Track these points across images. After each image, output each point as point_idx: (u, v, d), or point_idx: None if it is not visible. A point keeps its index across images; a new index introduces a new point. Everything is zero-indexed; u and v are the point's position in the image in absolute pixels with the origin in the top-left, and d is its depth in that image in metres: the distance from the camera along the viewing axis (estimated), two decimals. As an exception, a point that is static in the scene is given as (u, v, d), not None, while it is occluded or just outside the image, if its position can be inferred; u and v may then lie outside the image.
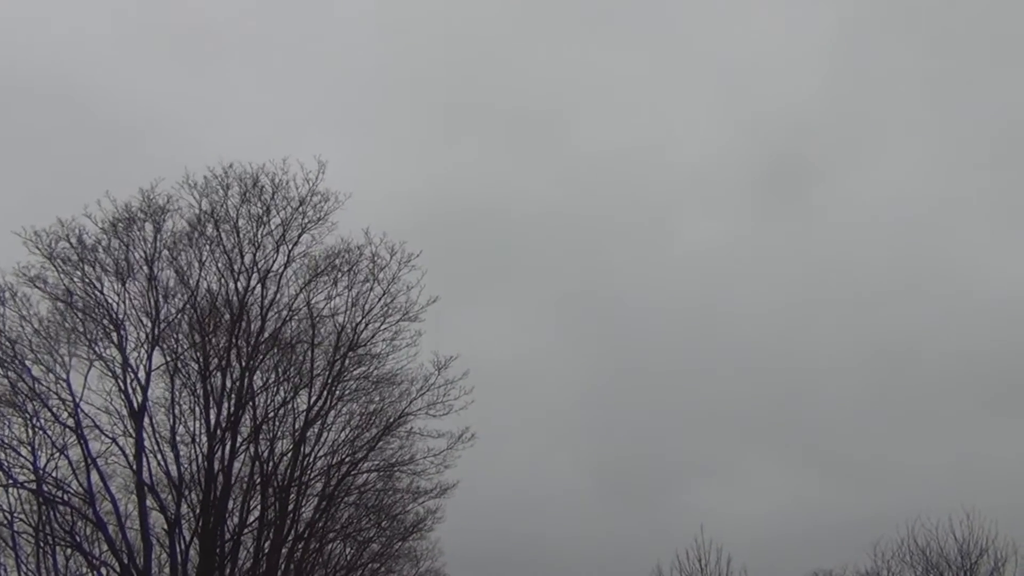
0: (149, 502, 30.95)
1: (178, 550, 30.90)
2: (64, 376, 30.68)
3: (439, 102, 68.85)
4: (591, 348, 59.07)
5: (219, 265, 31.48)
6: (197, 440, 31.48)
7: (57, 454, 30.84)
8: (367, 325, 32.51)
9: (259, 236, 31.49)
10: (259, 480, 31.85)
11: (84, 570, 33.31)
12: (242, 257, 31.50)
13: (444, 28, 70.75)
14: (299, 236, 31.66)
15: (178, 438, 31.29)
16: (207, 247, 31.32)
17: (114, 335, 31.15)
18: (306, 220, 31.57)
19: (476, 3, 70.40)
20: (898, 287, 64.03)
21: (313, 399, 32.23)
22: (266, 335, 31.72)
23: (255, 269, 31.59)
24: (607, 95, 71.73)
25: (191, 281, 31.55)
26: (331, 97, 69.24)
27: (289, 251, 31.68)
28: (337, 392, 32.59)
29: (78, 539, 31.58)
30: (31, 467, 30.57)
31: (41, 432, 30.81)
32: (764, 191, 69.49)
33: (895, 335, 61.13)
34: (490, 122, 69.33)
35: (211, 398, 31.47)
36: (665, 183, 68.74)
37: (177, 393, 31.44)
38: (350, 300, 32.32)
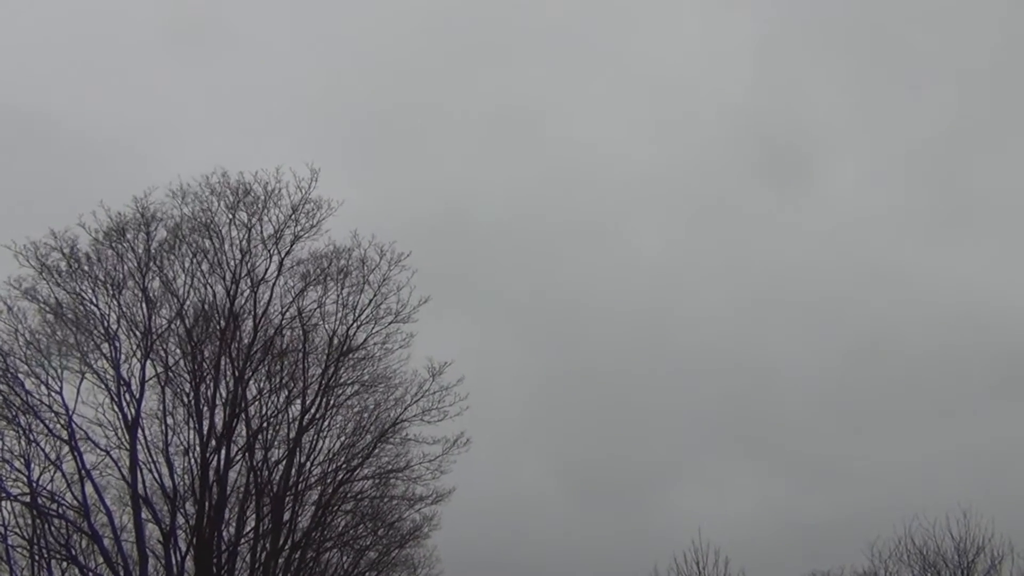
0: (144, 514, 30.84)
1: (174, 562, 30.80)
2: (57, 388, 30.67)
3: (395, 107, 68.67)
4: (549, 351, 59.05)
5: (210, 274, 31.43)
6: (191, 451, 31.43)
7: (51, 467, 30.77)
8: (359, 328, 32.53)
9: (251, 244, 31.48)
10: (254, 489, 31.75)
11: (79, 583, 33.19)
12: (233, 265, 31.47)
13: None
14: (292, 244, 31.72)
15: (172, 449, 31.27)
16: (198, 256, 31.26)
17: (106, 347, 31.10)
18: (298, 228, 31.64)
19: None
20: (850, 290, 64.24)
21: (307, 405, 32.15)
22: (259, 344, 31.65)
23: (247, 277, 31.56)
24: (567, 104, 71.86)
25: (181, 291, 31.55)
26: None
27: (281, 259, 31.70)
28: (331, 399, 32.51)
29: (73, 552, 31.40)
30: (25, 480, 30.49)
31: (35, 445, 30.73)
32: (719, 195, 69.62)
33: (853, 337, 61.35)
34: (447, 125, 69.40)
35: (204, 408, 31.41)
36: (621, 188, 68.91)
37: (170, 404, 31.45)
38: (341, 303, 32.33)
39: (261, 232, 31.54)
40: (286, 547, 32.03)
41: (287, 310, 32.03)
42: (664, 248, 65.42)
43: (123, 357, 31.06)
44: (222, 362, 31.44)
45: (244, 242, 31.48)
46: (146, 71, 68.50)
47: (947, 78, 71.39)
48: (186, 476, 31.38)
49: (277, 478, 32.03)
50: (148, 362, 31.19)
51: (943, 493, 42.66)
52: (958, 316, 60.28)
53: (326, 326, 32.29)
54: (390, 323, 32.55)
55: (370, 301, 32.31)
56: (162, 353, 31.46)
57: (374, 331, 32.54)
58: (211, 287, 31.48)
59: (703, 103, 73.24)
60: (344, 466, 32.93)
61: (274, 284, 31.81)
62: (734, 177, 70.44)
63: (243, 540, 31.96)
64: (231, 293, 31.54)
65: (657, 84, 73.15)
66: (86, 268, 30.87)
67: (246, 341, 31.68)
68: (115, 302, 31.12)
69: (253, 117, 65.93)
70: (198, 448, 31.30)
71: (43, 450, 30.76)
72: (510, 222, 64.80)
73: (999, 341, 56.71)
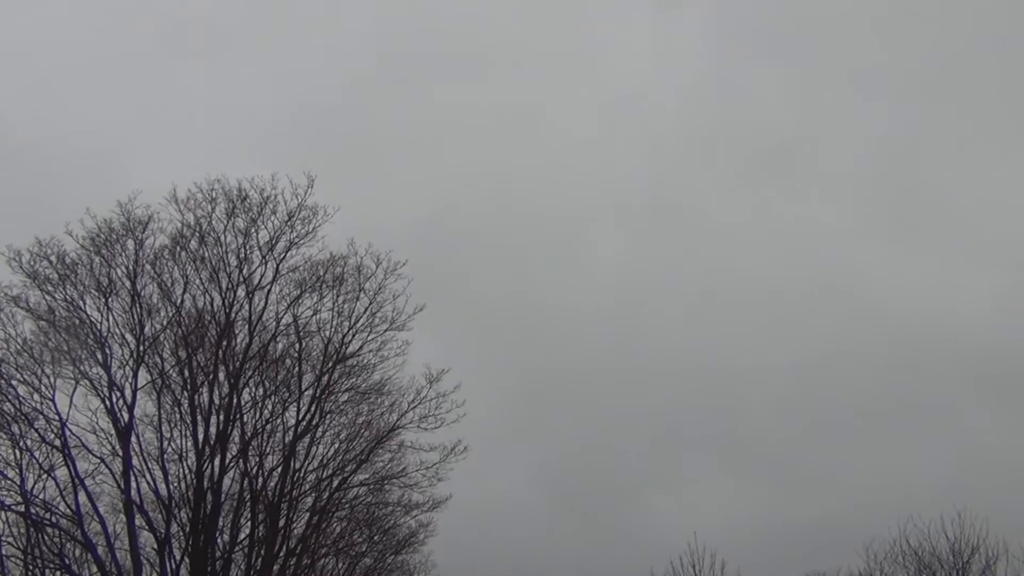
0: (138, 521, 30.72)
1: (168, 569, 30.64)
2: (50, 396, 30.47)
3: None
4: (517, 357, 59.05)
5: (205, 280, 31.27)
6: (185, 457, 31.28)
7: (44, 475, 30.55)
8: (354, 336, 32.39)
9: (246, 250, 31.33)
10: (249, 496, 31.60)
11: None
12: (228, 272, 31.30)
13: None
14: (287, 251, 31.58)
15: (166, 456, 31.09)
16: (192, 262, 31.11)
17: (99, 353, 30.89)
18: (294, 234, 31.53)
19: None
20: (809, 295, 64.70)
21: (302, 413, 32.04)
22: (254, 350, 31.50)
23: (242, 284, 31.40)
24: (532, 115, 71.99)
25: (175, 297, 31.38)
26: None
27: (277, 266, 31.57)
28: (326, 405, 32.39)
29: (67, 561, 31.25)
30: (18, 489, 30.24)
31: (28, 453, 30.50)
32: (680, 201, 69.92)
33: (816, 341, 61.79)
34: (416, 128, 69.44)
35: (198, 415, 31.24)
36: (583, 195, 69.17)
37: (164, 411, 31.25)
38: (336, 311, 32.20)
39: (257, 239, 31.40)
40: (281, 554, 31.93)
41: (282, 317, 31.91)
42: (627, 254, 65.52)
43: (116, 364, 30.86)
44: (217, 369, 31.24)
45: (240, 248, 31.31)
46: (142, 74, 68.19)
47: (896, 86, 71.87)
48: (180, 483, 31.27)
49: (272, 485, 31.87)
50: (142, 369, 31.01)
51: (919, 495, 44.92)
52: (915, 323, 60.89)
53: (321, 333, 32.17)
54: (385, 331, 32.48)
55: (365, 309, 32.24)
56: (156, 360, 31.25)
57: (369, 339, 32.47)
58: (206, 293, 31.31)
59: (661, 110, 73.26)
60: (339, 472, 32.79)
61: (269, 291, 31.69)
62: (695, 183, 70.72)
63: (238, 547, 31.82)
64: (226, 300, 31.38)
65: (615, 91, 73.24)
66: (74, 275, 30.63)
67: (241, 348, 31.48)
68: (106, 308, 30.90)
69: (252, 119, 65.55)
70: (192, 455, 31.18)
71: (36, 458, 30.59)
72: (480, 227, 64.63)
73: (962, 344, 57.35)
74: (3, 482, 30.20)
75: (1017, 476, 45.19)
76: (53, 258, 30.32)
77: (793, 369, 59.85)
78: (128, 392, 30.89)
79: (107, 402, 30.72)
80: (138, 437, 30.99)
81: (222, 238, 31.24)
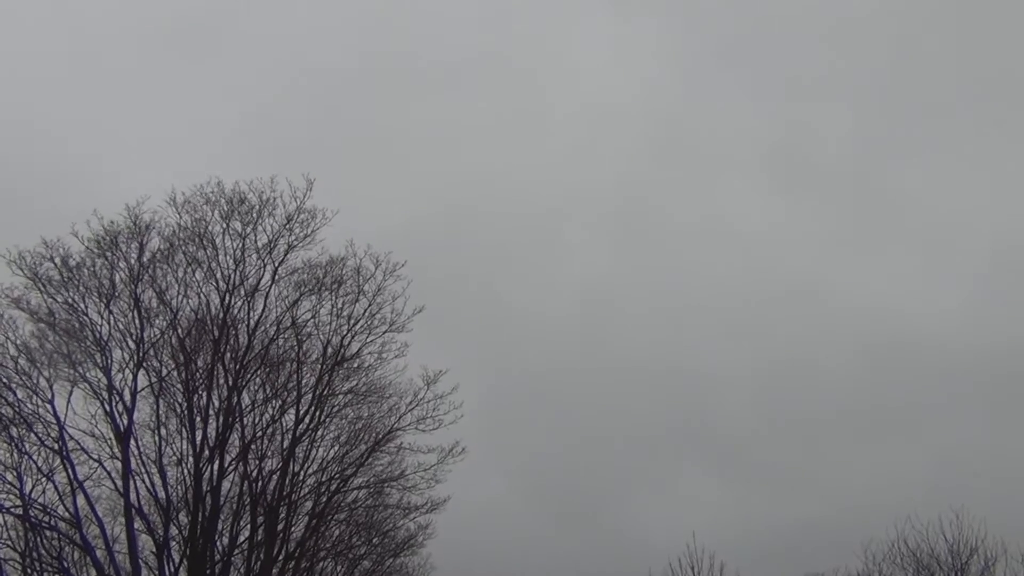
0: (137, 525, 30.70)
1: (167, 573, 30.61)
2: (48, 399, 30.49)
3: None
4: (494, 364, 59.04)
5: (204, 283, 31.35)
6: (184, 461, 31.26)
7: (43, 479, 30.56)
8: (353, 338, 32.45)
9: (245, 253, 31.40)
10: (248, 499, 31.59)
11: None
12: (227, 275, 31.37)
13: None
14: (286, 253, 31.66)
15: (165, 459, 31.10)
16: (191, 265, 31.17)
17: (98, 356, 30.93)
18: (292, 237, 31.61)
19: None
20: (773, 300, 64.94)
21: (301, 416, 32.05)
22: (253, 353, 31.54)
23: (241, 287, 31.46)
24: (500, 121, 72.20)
25: (174, 300, 31.43)
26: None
27: (275, 268, 31.65)
28: (325, 408, 32.42)
29: (66, 564, 31.20)
30: (17, 493, 30.23)
31: (26, 457, 30.51)
32: (647, 206, 70.16)
33: (781, 346, 62.00)
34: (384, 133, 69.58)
35: (197, 418, 31.26)
36: (553, 203, 69.30)
37: (163, 414, 31.29)
38: (335, 313, 32.26)
39: (255, 241, 31.50)
40: (280, 557, 31.89)
41: (281, 319, 31.94)
42: (595, 257, 65.62)
43: (116, 367, 30.91)
44: (216, 372, 31.27)
45: (238, 251, 31.42)
46: (136, 76, 68.25)
47: (860, 90, 72.17)
48: (179, 486, 31.30)
49: (271, 488, 31.87)
50: (141, 372, 31.06)
51: (898, 495, 45.15)
52: (884, 326, 61.21)
53: (320, 336, 32.25)
54: (384, 332, 32.52)
55: (364, 311, 32.30)
56: (155, 363, 31.31)
57: (368, 341, 32.53)
58: (205, 296, 31.38)
59: (630, 117, 73.49)
60: (338, 476, 32.80)
61: (268, 293, 31.77)
62: (661, 186, 70.86)
63: (237, 550, 31.81)
64: (225, 303, 31.43)
65: (583, 99, 73.38)
66: (78, 277, 30.69)
67: (240, 351, 31.52)
68: (107, 312, 30.95)
69: (251, 121, 65.63)
70: (191, 458, 31.15)
71: (35, 462, 30.58)
72: (451, 234, 64.59)
73: (931, 347, 57.65)
74: (2, 485, 30.22)
75: (991, 475, 45.52)
76: (57, 260, 30.38)
77: (764, 371, 60.05)
78: (127, 395, 30.93)
79: (106, 405, 30.76)
80: (137, 440, 31.06)
81: (220, 241, 31.33)
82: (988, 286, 61.76)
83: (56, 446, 30.36)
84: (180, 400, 31.50)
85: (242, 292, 31.52)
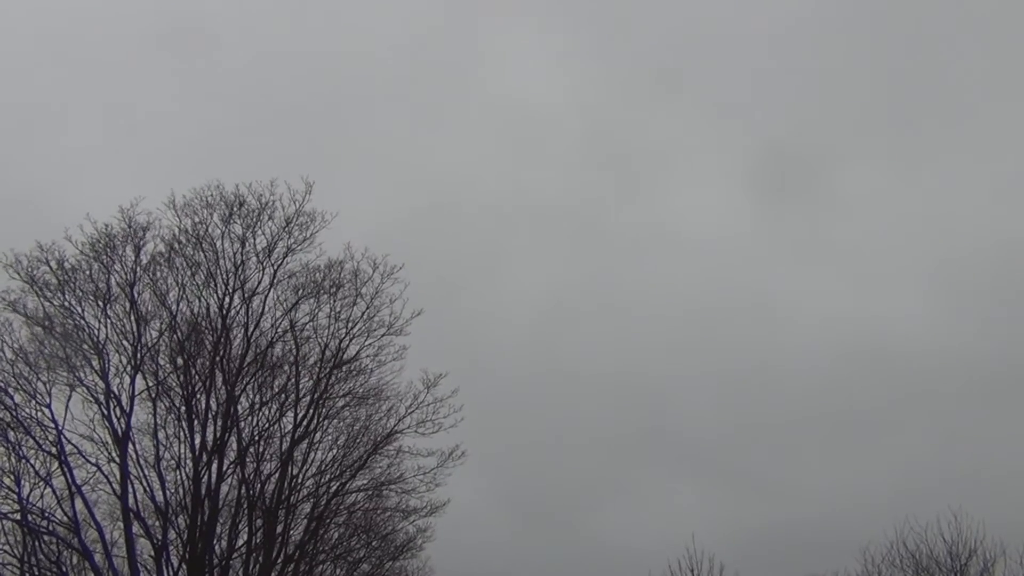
0: (135, 529, 30.60)
1: (166, 576, 30.54)
2: (46, 403, 30.40)
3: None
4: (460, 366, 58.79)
5: (202, 287, 31.23)
6: (183, 464, 31.18)
7: (41, 483, 30.49)
8: (351, 341, 32.39)
9: (244, 256, 31.31)
10: (247, 503, 31.52)
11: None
12: (226, 278, 31.28)
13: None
14: (284, 257, 31.57)
15: (163, 463, 31.02)
16: (191, 268, 31.06)
17: (95, 361, 30.82)
18: (291, 240, 31.55)
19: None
20: (721, 309, 65.07)
21: (299, 419, 31.97)
22: (251, 356, 31.46)
23: (240, 290, 31.37)
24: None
25: (172, 304, 31.31)
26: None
27: (274, 272, 31.57)
28: (323, 411, 32.35)
29: (64, 569, 31.13)
30: (15, 497, 30.15)
31: (24, 461, 30.42)
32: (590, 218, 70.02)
33: (735, 355, 62.01)
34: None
35: (196, 421, 31.18)
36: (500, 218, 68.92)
37: (161, 418, 31.19)
38: (333, 316, 32.18)
39: (254, 245, 31.41)
40: (279, 560, 31.83)
41: (279, 323, 31.86)
42: (546, 266, 65.38)
43: (113, 371, 30.82)
44: (214, 375, 31.19)
45: (237, 255, 31.31)
46: (133, 77, 67.91)
47: (798, 97, 72.05)
48: (178, 490, 31.18)
49: (270, 491, 31.81)
50: (139, 375, 30.95)
51: (867, 500, 45.81)
52: (833, 336, 61.37)
53: (318, 339, 32.15)
54: (383, 335, 32.47)
55: (363, 314, 32.24)
56: (153, 366, 31.19)
57: (367, 343, 32.47)
58: (203, 300, 31.26)
59: (564, 128, 73.15)
60: (337, 478, 32.75)
61: (266, 297, 31.68)
62: (602, 197, 70.57)
63: (235, 554, 31.72)
64: (223, 306, 31.33)
65: (513, 111, 72.74)
66: (74, 281, 30.58)
67: (238, 354, 31.43)
68: (104, 315, 30.84)
69: (244, 125, 65.34)
70: (190, 462, 31.08)
71: (33, 466, 30.50)
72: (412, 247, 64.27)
73: (891, 354, 57.92)
74: (0, 490, 30.10)
75: (955, 477, 45.84)
76: (53, 263, 30.28)
77: (728, 377, 59.76)
78: (125, 399, 30.85)
79: (104, 409, 30.64)
80: (135, 444, 30.93)
81: (219, 244, 31.23)
82: (941, 292, 61.89)
83: (54, 450, 30.26)
84: (178, 404, 31.40)
85: (241, 295, 31.42)
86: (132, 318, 31.02)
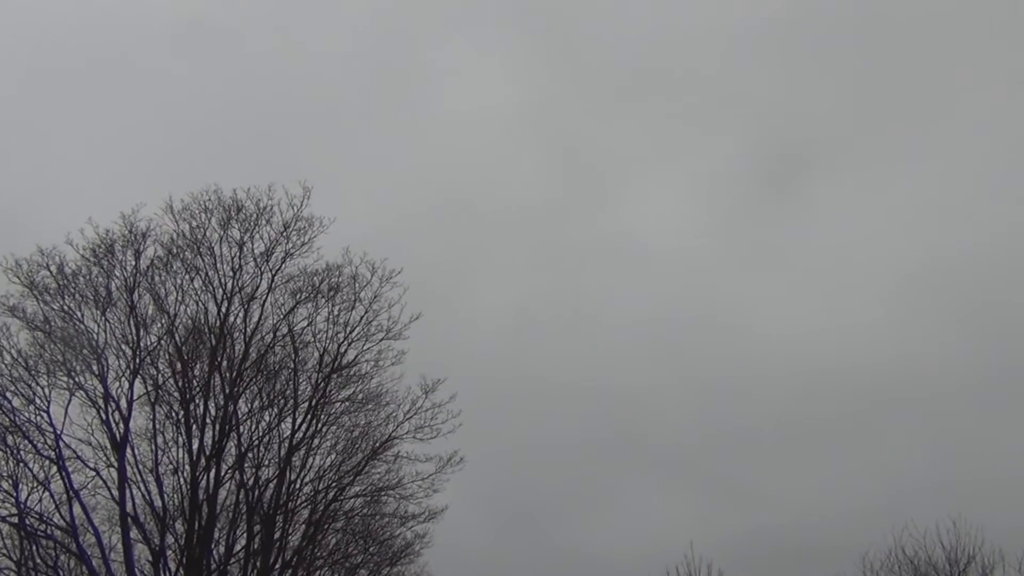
0: (133, 534, 30.57)
1: (163, 581, 30.51)
2: (45, 407, 30.44)
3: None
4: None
5: (201, 291, 31.33)
6: (181, 469, 31.20)
7: (39, 487, 30.49)
8: (350, 345, 32.41)
9: (242, 261, 31.39)
10: (245, 508, 31.52)
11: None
12: (224, 282, 31.36)
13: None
14: (283, 261, 31.65)
15: (161, 468, 31.04)
16: (189, 273, 31.17)
17: (94, 365, 30.88)
18: (290, 245, 31.63)
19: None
20: (683, 320, 65.02)
21: (298, 424, 32.01)
22: (250, 361, 31.51)
23: (238, 294, 31.45)
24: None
25: (171, 308, 31.39)
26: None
27: (272, 276, 31.63)
28: (322, 416, 32.38)
29: (61, 573, 31.16)
30: (13, 501, 30.16)
31: (23, 465, 30.45)
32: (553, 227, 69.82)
33: (705, 364, 62.07)
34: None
35: (194, 426, 31.21)
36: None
37: (159, 422, 31.23)
38: (332, 321, 32.24)
39: (252, 249, 31.47)
40: (277, 566, 31.81)
41: (278, 327, 31.91)
42: (514, 277, 65.32)
43: (112, 375, 30.88)
44: (212, 380, 31.24)
45: (235, 259, 31.38)
46: (132, 78, 68.03)
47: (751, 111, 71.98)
48: (176, 495, 31.14)
49: (268, 496, 31.81)
50: (137, 380, 31.01)
51: (841, 506, 46.25)
52: (794, 348, 61.21)
53: (317, 343, 32.19)
54: (381, 340, 32.50)
55: (361, 318, 32.26)
56: (152, 371, 31.25)
57: (365, 348, 32.49)
58: (202, 304, 31.35)
59: (528, 136, 73.16)
60: (335, 484, 32.74)
61: (265, 301, 31.73)
62: (560, 207, 70.54)
63: (233, 559, 31.68)
64: (222, 310, 31.40)
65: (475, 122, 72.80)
66: (73, 285, 30.69)
67: (236, 359, 31.48)
68: (103, 319, 30.94)
69: (244, 126, 65.45)
70: (188, 467, 31.08)
71: (31, 470, 30.52)
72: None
73: (858, 365, 57.96)
74: (-2, 494, 30.17)
75: (930, 485, 45.94)
76: (53, 268, 30.38)
77: (693, 388, 59.79)
78: (124, 404, 30.88)
79: (103, 414, 30.70)
80: (133, 449, 30.93)
81: (217, 248, 31.32)
82: (905, 301, 61.81)
83: (52, 454, 30.29)
84: (177, 408, 31.44)
85: (239, 300, 31.50)
86: (131, 322, 31.10)
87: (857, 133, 70.31)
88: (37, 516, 30.44)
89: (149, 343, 31.23)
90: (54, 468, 30.38)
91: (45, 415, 30.40)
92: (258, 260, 31.52)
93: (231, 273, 31.43)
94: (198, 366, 31.58)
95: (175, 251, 31.13)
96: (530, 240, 67.66)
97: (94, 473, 30.44)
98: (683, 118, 70.02)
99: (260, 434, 31.97)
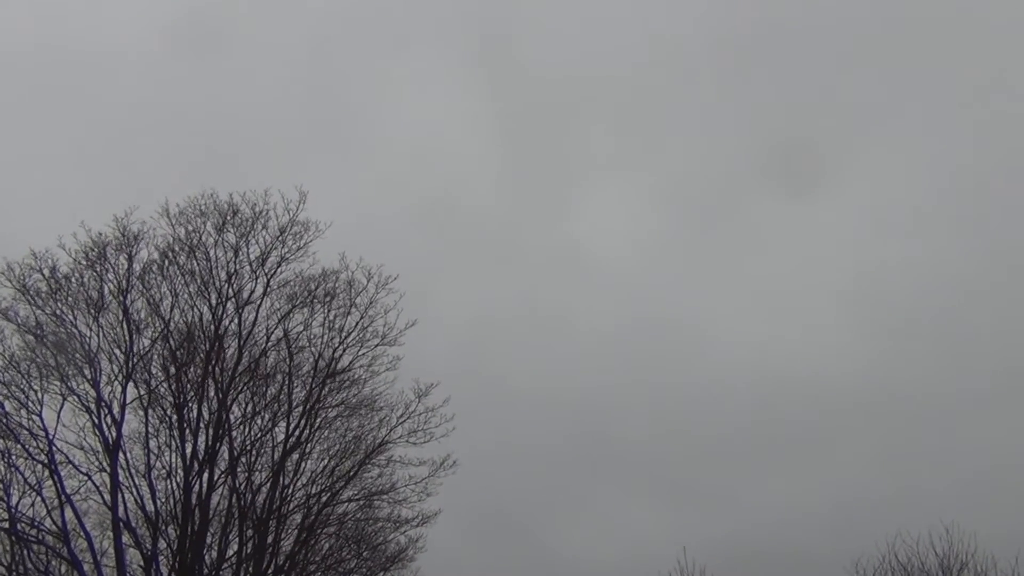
0: (125, 539, 30.45)
1: (155, 587, 30.37)
2: (37, 411, 30.27)
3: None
4: None
5: (194, 295, 31.18)
6: (173, 474, 31.07)
7: (31, 492, 30.29)
8: (345, 351, 32.35)
9: (237, 265, 31.31)
10: (237, 513, 31.39)
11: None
12: (218, 286, 31.23)
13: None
14: (278, 266, 31.57)
15: (154, 472, 30.89)
16: (182, 277, 31.03)
17: (87, 369, 30.72)
18: (285, 250, 31.52)
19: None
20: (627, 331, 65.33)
21: (292, 428, 31.91)
22: (243, 366, 31.40)
23: (233, 299, 31.33)
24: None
25: (164, 312, 31.26)
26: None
27: (268, 281, 31.54)
28: (316, 421, 32.28)
29: (53, 579, 30.94)
30: (4, 506, 29.96)
31: (14, 470, 30.25)
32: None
33: (666, 374, 62.25)
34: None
35: (187, 430, 31.08)
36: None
37: (152, 427, 31.09)
38: (327, 326, 32.17)
39: (248, 254, 31.38)
40: (270, 571, 31.71)
41: (272, 332, 31.82)
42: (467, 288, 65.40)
43: (104, 379, 30.72)
44: (206, 384, 31.11)
45: (230, 263, 31.29)
46: (129, 79, 67.63)
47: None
48: (168, 500, 31.03)
49: (261, 501, 31.69)
50: (130, 384, 30.86)
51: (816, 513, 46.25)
52: (743, 360, 61.39)
53: (312, 349, 32.11)
54: (376, 346, 32.46)
55: (356, 324, 32.22)
56: (145, 375, 31.11)
57: (360, 354, 32.43)
58: (196, 308, 31.23)
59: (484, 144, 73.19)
60: (328, 488, 32.65)
61: (259, 306, 31.64)
62: (508, 214, 70.86)
63: (226, 564, 31.57)
64: (216, 315, 31.27)
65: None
66: (66, 289, 30.51)
67: (230, 363, 31.37)
68: (96, 323, 30.76)
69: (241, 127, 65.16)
70: (180, 471, 30.96)
71: (22, 474, 30.33)
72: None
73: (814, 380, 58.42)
74: (-11, 499, 29.96)
75: (881, 497, 46.14)
76: (45, 271, 30.22)
77: (657, 397, 59.75)
78: (116, 408, 30.73)
79: (95, 418, 30.54)
80: (126, 453, 30.84)
81: (212, 253, 31.20)
82: (851, 317, 61.87)
83: (44, 459, 30.12)
84: (170, 413, 31.30)
85: (234, 304, 31.38)
86: (124, 326, 30.95)
87: (791, 150, 70.76)
88: (29, 521, 30.25)
89: (142, 347, 31.09)
90: (46, 473, 30.21)
91: (37, 419, 30.29)
92: (253, 264, 31.44)
93: (226, 277, 31.31)
94: (192, 370, 31.44)
95: (170, 255, 30.96)
96: (491, 249, 67.71)
97: (86, 478, 30.32)
98: (641, 128, 70.43)
99: (253, 439, 31.86)
